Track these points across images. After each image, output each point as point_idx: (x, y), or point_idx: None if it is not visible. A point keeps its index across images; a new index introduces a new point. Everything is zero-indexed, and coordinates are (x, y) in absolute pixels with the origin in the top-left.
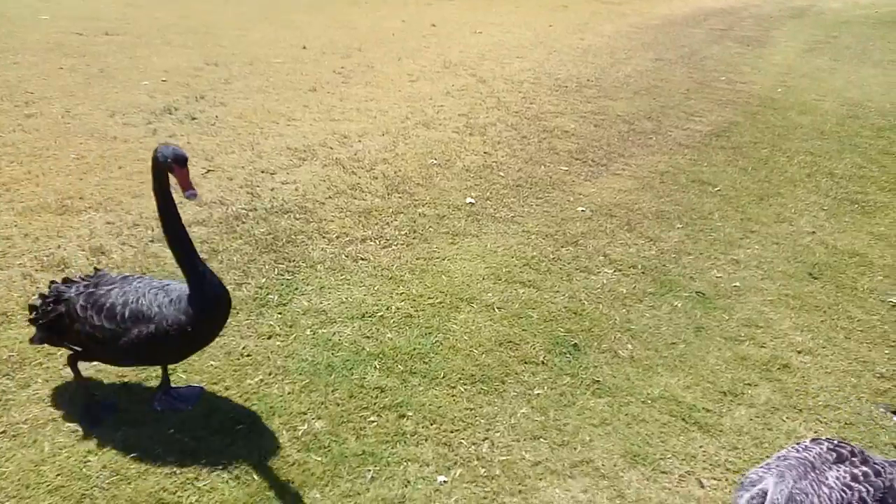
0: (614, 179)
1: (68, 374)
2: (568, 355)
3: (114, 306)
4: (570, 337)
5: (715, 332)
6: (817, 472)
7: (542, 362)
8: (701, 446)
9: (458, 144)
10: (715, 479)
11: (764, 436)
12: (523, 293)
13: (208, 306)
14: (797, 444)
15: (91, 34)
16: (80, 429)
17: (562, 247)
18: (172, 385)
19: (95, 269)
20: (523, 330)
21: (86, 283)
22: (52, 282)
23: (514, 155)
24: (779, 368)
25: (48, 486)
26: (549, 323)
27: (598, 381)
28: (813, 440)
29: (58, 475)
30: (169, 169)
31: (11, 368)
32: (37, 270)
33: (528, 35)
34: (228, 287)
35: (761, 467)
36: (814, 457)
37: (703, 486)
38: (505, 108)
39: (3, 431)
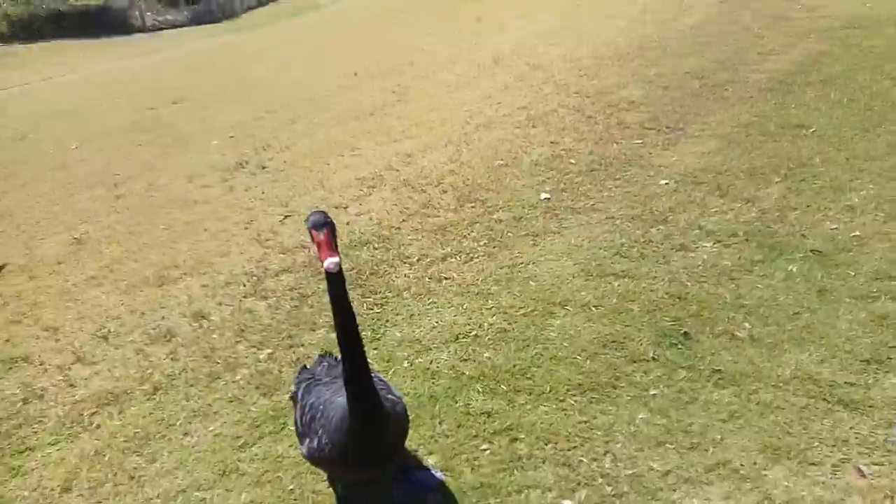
0: (694, 143)
1: (188, 442)
2: (679, 346)
3: (304, 405)
4: (678, 326)
5: (841, 292)
6: None
7: (653, 358)
8: (851, 427)
9: (523, 139)
10: (876, 463)
11: None
12: (618, 286)
13: (358, 426)
14: None
15: (161, 106)
16: (206, 496)
17: (651, 227)
18: (416, 467)
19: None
20: (626, 326)
21: (322, 365)
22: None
23: (583, 138)
24: None
25: None
26: (653, 314)
27: (719, 370)
28: None
29: None
30: (311, 236)
31: (139, 445)
32: (146, 345)
33: (578, 4)
34: (321, 331)
35: None
36: None
37: (864, 475)
38: (564, 90)
39: None
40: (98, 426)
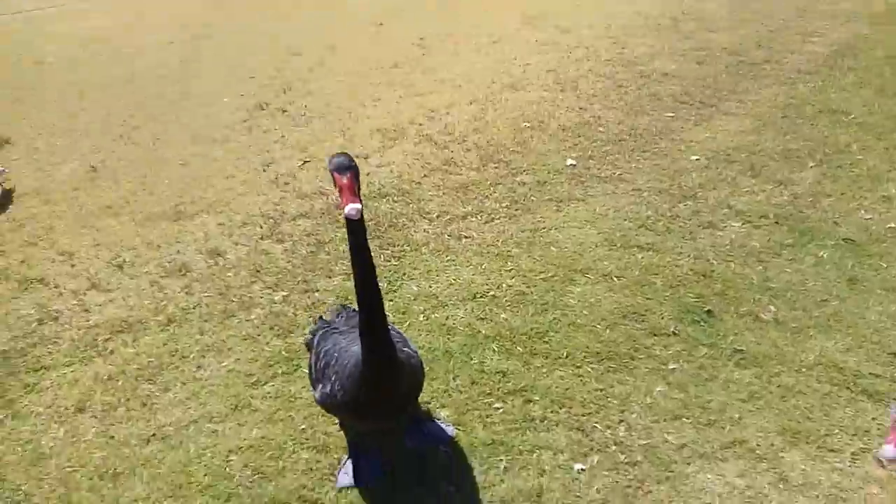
0: (728, 120)
1: (202, 375)
2: (702, 323)
3: (319, 352)
4: (702, 303)
5: (873, 283)
6: None
7: (674, 333)
8: (874, 418)
9: (551, 103)
10: None
11: None
12: (642, 258)
13: (372, 376)
14: None
15: (182, 41)
16: (219, 429)
17: (679, 202)
18: (429, 420)
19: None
20: (648, 299)
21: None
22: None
23: (613, 107)
24: None
25: (198, 485)
26: (676, 289)
27: (742, 350)
28: None
29: (205, 475)
30: (333, 179)
31: (152, 374)
32: (161, 277)
33: None
34: (337, 278)
35: None
36: None
37: (883, 465)
38: (595, 56)
39: (154, 434)
40: (112, 352)
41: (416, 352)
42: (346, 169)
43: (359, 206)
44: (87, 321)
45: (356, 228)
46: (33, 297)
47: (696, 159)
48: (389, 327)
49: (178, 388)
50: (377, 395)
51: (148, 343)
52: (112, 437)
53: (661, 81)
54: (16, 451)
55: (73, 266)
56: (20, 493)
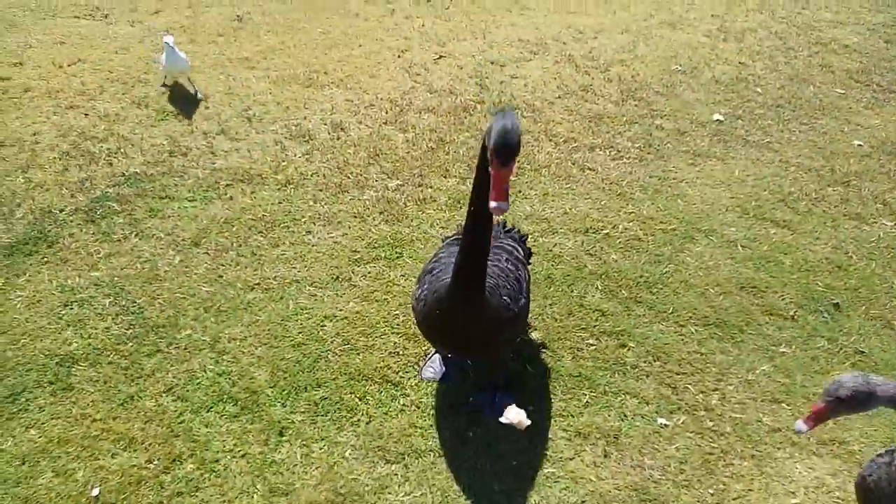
0: None
1: (310, 240)
2: (825, 315)
3: (437, 255)
4: (830, 294)
5: None
6: None
7: (792, 317)
8: None
9: (709, 50)
10: None
11: None
12: (774, 234)
13: (441, 308)
14: None
15: None
16: (318, 294)
17: (828, 185)
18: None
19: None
20: (771, 276)
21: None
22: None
23: (777, 69)
24: None
25: (291, 340)
26: (805, 273)
27: (863, 352)
28: None
29: (299, 333)
30: (488, 155)
31: (265, 227)
32: (286, 138)
33: None
34: (452, 179)
35: None
36: None
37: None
38: (769, 11)
39: (258, 283)
40: (231, 198)
41: (516, 308)
42: (511, 157)
43: (506, 206)
44: (213, 163)
45: (485, 220)
46: (168, 128)
47: (859, 145)
48: (513, 268)
49: (287, 247)
50: (445, 327)
51: (265, 198)
52: (220, 276)
53: (837, 53)
54: (135, 267)
55: (206, 108)
56: (135, 305)
